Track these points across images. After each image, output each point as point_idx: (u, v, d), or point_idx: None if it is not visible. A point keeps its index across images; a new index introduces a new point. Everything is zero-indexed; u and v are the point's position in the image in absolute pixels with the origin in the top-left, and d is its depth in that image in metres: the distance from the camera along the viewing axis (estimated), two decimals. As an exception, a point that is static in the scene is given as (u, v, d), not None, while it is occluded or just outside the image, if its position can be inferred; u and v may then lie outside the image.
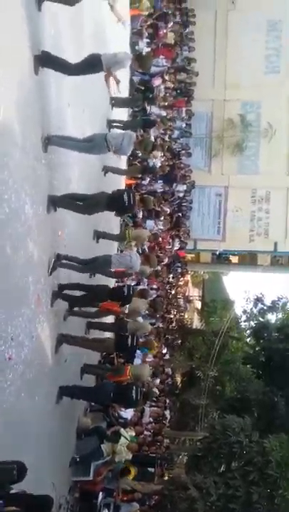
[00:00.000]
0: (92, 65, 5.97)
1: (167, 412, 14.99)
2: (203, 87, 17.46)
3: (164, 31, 14.19)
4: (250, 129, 18.34)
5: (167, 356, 16.87)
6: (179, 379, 19.70)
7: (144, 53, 11.49)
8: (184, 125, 16.65)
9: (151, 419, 12.29)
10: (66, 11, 6.29)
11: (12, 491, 3.83)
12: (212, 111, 18.62)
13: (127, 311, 7.87)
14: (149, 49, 12.53)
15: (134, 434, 9.11)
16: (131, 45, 11.85)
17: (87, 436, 7.63)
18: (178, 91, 16.04)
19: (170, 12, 14.62)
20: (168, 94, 14.41)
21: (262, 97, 18.50)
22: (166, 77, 13.93)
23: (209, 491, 10.15)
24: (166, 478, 12.57)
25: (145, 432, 11.62)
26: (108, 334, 8.31)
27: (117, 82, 6.27)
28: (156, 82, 13.05)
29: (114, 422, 8.49)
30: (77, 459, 7.28)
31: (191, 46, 16.70)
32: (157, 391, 12.50)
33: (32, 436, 5.54)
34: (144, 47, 12.33)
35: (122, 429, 8.25)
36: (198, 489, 10.07)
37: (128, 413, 9.32)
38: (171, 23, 14.51)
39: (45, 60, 5.61)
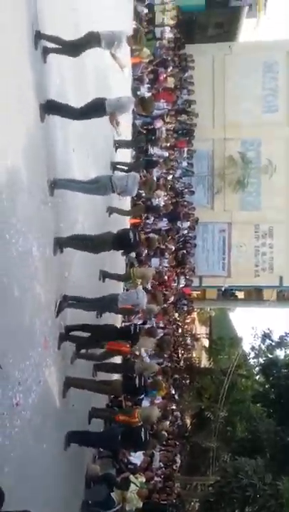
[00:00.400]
0: (96, 109, 6.14)
1: (178, 457, 14.53)
2: (203, 127, 17.94)
3: (164, 76, 14.73)
4: (251, 166, 18.71)
5: (176, 397, 16.51)
6: (188, 421, 19.20)
7: (146, 97, 11.87)
8: (185, 164, 16.98)
9: (161, 464, 11.90)
10: (70, 60, 6.56)
11: None
12: (213, 149, 19.06)
13: (133, 351, 7.77)
14: (150, 93, 12.95)
15: (144, 480, 8.79)
16: (133, 90, 12.26)
17: (97, 485, 7.37)
18: (179, 132, 16.45)
19: (169, 58, 15.20)
20: (169, 136, 14.78)
21: (261, 135, 18.96)
22: (168, 119, 14.32)
23: (222, 536, 9.71)
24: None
25: (155, 478, 11.23)
26: (116, 376, 8.17)
27: (117, 123, 6.43)
28: (158, 124, 13.41)
29: (124, 468, 8.21)
30: (89, 502, 6.99)
31: (191, 89, 17.26)
32: (166, 434, 12.15)
33: (39, 485, 5.35)
34: (145, 92, 12.75)
35: (131, 476, 7.97)
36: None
37: (138, 458, 9.04)
38: (171, 69, 15.05)
39: (50, 108, 5.79)
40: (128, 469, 8.31)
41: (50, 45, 5.79)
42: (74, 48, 6.09)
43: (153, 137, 12.34)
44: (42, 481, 5.43)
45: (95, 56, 6.47)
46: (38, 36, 5.55)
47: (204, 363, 22.72)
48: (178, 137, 16.18)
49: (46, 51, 5.76)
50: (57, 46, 5.86)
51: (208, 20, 20.33)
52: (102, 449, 8.16)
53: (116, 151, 10.63)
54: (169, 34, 15.07)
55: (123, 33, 6.23)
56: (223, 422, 17.32)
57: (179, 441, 15.68)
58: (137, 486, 7.85)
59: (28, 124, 5.30)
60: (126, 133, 11.08)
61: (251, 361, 21.33)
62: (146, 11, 13.83)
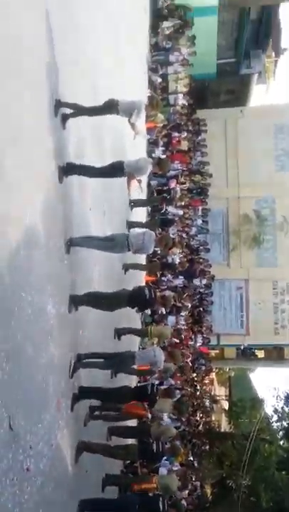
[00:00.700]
0: (114, 170, 6.33)
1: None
2: (217, 186, 18.32)
3: (178, 139, 15.30)
4: (266, 223, 18.85)
5: (195, 464, 15.66)
6: (208, 490, 18.07)
7: (162, 158, 12.30)
8: (200, 222, 17.20)
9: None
10: (88, 123, 6.88)
11: None
12: (227, 208, 19.35)
13: (152, 414, 7.47)
14: (164, 156, 13.40)
15: None
16: (148, 153, 12.72)
17: None
18: (193, 191, 16.81)
19: (183, 123, 15.85)
20: (184, 195, 15.10)
21: (275, 193, 19.25)
22: (182, 179, 14.69)
23: None
24: None
25: None
26: (131, 440, 7.83)
27: (139, 182, 6.59)
28: (172, 184, 13.76)
29: None
30: None
31: (204, 152, 17.80)
32: (185, 504, 11.40)
33: None
34: (160, 154, 13.20)
35: None
36: None
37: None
38: (185, 134, 15.64)
39: (68, 170, 6.01)
40: None
41: (69, 110, 6.09)
42: (92, 113, 6.40)
43: (168, 196, 12.62)
44: None
45: (113, 119, 6.77)
46: (58, 105, 5.85)
47: (224, 426, 21.70)
48: (192, 196, 16.51)
49: (66, 117, 6.05)
50: (76, 111, 6.15)
51: (220, 87, 21.36)
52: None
53: (131, 209, 10.86)
54: (182, 101, 15.80)
55: (142, 103, 6.52)
56: (247, 492, 16.26)
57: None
58: None
59: (46, 184, 5.49)
60: (143, 193, 11.39)
61: (274, 425, 20.34)
62: (160, 80, 14.64)
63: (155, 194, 12.51)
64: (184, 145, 15.63)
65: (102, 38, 8.44)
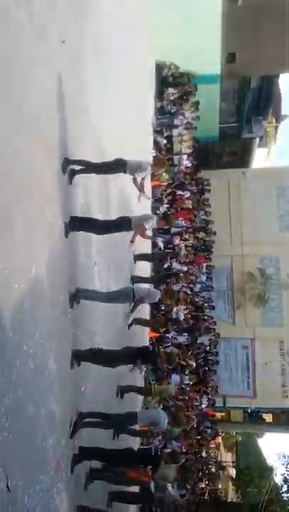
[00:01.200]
0: (122, 225, 6.42)
1: None
2: (221, 244, 18.48)
3: (182, 198, 15.66)
4: (271, 281, 18.80)
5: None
6: None
7: (168, 212, 12.54)
8: (205, 278, 17.18)
9: None
10: (94, 180, 7.06)
11: None
12: (231, 265, 19.38)
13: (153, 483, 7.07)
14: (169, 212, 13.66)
15: None
16: (152, 210, 12.97)
17: None
18: (197, 248, 16.95)
19: (187, 182, 16.29)
20: (188, 252, 15.22)
21: (279, 252, 19.35)
22: (186, 236, 14.86)
23: None
24: None
25: None
26: (132, 507, 7.37)
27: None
28: (176, 240, 13.92)
29: None
30: None
31: (208, 211, 18.16)
32: None
33: None
34: (164, 211, 13.47)
35: None
36: None
37: None
38: (188, 194, 16.04)
39: (74, 225, 6.09)
40: None
41: (77, 167, 6.29)
42: (100, 171, 6.60)
43: (173, 251, 12.73)
44: None
45: (118, 176, 6.97)
46: (67, 162, 6.05)
47: (231, 495, 20.47)
48: (196, 253, 16.63)
49: (73, 173, 6.24)
50: (84, 167, 6.34)
51: (223, 149, 22.15)
52: None
53: (135, 262, 10.91)
54: (186, 161, 16.34)
55: (148, 163, 6.76)
56: None
57: None
58: None
59: (52, 240, 5.55)
60: (145, 247, 11.51)
61: (284, 495, 19.20)
62: (165, 141, 15.23)
63: (159, 250, 12.61)
64: (188, 203, 15.97)
65: (109, 101, 8.87)
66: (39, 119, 5.14)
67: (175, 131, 15.59)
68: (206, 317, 16.45)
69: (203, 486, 16.41)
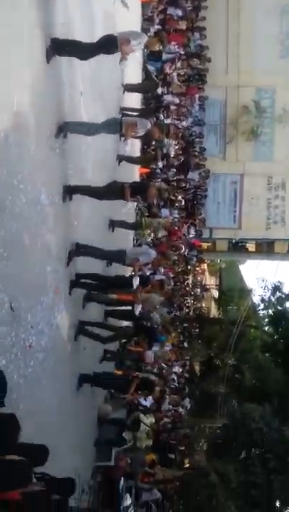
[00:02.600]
0: (108, 44, 5.84)
1: (187, 401, 15.06)
2: (216, 73, 17.24)
3: (174, 19, 14.03)
4: (265, 114, 18.09)
5: (185, 345, 16.89)
6: (197, 367, 19.73)
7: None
8: (197, 108, 16.44)
9: (170, 407, 12.36)
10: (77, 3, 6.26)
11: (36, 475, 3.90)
12: (226, 97, 18.37)
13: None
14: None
15: (153, 420, 9.18)
16: (142, 31, 11.73)
17: (109, 424, 7.73)
18: (191, 78, 15.86)
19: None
20: (180, 82, 14.29)
21: (276, 83, 18.21)
22: (179, 64, 13.78)
23: (230, 477, 10.25)
24: (186, 465, 12.67)
25: (165, 419, 11.71)
26: (126, 323, 8.35)
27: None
28: (168, 68, 12.95)
29: (135, 409, 8.55)
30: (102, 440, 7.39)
31: (203, 34, 16.48)
32: (176, 378, 12.56)
33: (53, 423, 5.61)
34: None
35: (141, 415, 8.31)
36: (218, 475, 10.18)
37: (148, 401, 9.39)
38: (182, 12, 14.31)
39: (57, 48, 5.56)
40: (139, 410, 8.65)
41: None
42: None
43: (164, 81, 11.94)
44: (55, 417, 5.69)
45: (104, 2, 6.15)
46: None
47: (213, 313, 23.03)
48: (189, 84, 15.61)
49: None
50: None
51: None
52: (113, 391, 8.47)
53: (124, 93, 10.31)
54: None
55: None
56: (232, 370, 17.77)
57: (189, 386, 16.21)
58: (147, 425, 8.21)
59: (34, 66, 5.14)
60: (136, 76, 10.76)
61: (261, 313, 21.59)
62: None
63: (148, 79, 11.78)
64: (182, 24, 14.39)
65: None
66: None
67: None
68: (196, 153, 16.26)
69: (189, 304, 18.26)
